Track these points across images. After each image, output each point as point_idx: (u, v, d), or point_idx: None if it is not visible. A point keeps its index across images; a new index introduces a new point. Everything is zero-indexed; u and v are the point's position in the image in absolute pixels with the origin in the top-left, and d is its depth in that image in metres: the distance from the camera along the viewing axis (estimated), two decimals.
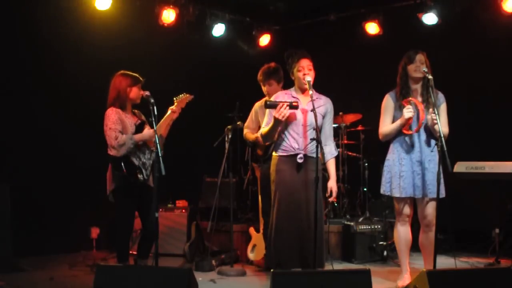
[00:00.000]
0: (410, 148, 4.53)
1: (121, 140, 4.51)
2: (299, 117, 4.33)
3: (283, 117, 4.15)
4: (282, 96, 4.46)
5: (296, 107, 4.22)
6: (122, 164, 4.53)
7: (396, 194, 4.53)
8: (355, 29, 7.23)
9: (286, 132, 4.36)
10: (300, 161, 4.29)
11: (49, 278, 5.02)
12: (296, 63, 4.39)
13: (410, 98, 4.49)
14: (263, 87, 5.42)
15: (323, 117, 4.42)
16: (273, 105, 4.20)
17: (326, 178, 4.50)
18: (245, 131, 5.57)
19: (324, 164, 4.24)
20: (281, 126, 4.30)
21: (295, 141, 4.32)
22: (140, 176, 4.58)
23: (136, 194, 4.64)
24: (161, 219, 5.10)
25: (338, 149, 6.71)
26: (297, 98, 4.38)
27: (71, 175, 6.19)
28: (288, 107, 4.15)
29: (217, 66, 7.47)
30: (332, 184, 4.41)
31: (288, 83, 4.70)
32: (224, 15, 7.31)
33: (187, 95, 4.78)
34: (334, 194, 4.40)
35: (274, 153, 4.46)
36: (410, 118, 4.42)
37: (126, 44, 6.45)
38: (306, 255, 4.15)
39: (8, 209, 5.41)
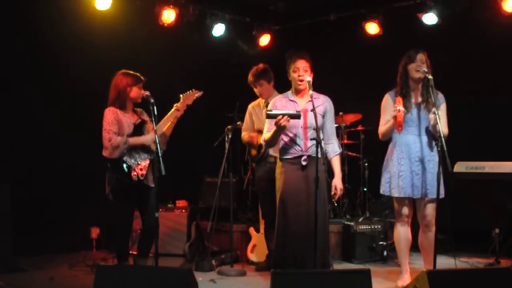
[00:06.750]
0: (409, 148, 4.52)
1: (115, 143, 4.49)
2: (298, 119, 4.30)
3: (283, 126, 4.12)
4: (279, 100, 4.45)
5: (298, 117, 4.18)
6: (115, 165, 4.53)
7: (395, 194, 4.52)
8: (355, 29, 7.22)
9: (287, 136, 4.34)
10: (304, 163, 4.28)
11: (49, 278, 5.02)
12: (292, 63, 4.37)
13: (399, 97, 4.41)
14: (254, 89, 5.49)
15: (323, 116, 4.40)
16: (273, 116, 4.16)
17: (328, 178, 4.47)
18: (243, 133, 5.60)
19: (325, 164, 4.21)
20: (282, 132, 4.29)
21: (297, 144, 4.31)
22: (134, 177, 4.57)
23: (133, 194, 4.64)
24: (161, 219, 5.09)
25: None
26: (295, 101, 4.38)
27: (71, 175, 6.18)
28: (288, 119, 4.11)
29: (217, 66, 7.46)
30: (337, 182, 4.35)
31: (278, 83, 4.68)
32: (224, 15, 7.30)
33: (195, 91, 4.73)
34: (339, 192, 4.33)
35: (278, 158, 4.44)
36: (395, 117, 4.30)
37: (126, 44, 6.44)
38: (317, 255, 4.07)
39: (8, 209, 5.40)
